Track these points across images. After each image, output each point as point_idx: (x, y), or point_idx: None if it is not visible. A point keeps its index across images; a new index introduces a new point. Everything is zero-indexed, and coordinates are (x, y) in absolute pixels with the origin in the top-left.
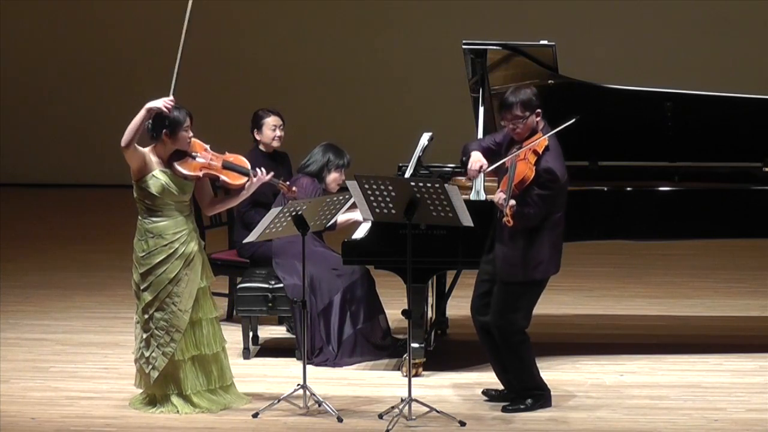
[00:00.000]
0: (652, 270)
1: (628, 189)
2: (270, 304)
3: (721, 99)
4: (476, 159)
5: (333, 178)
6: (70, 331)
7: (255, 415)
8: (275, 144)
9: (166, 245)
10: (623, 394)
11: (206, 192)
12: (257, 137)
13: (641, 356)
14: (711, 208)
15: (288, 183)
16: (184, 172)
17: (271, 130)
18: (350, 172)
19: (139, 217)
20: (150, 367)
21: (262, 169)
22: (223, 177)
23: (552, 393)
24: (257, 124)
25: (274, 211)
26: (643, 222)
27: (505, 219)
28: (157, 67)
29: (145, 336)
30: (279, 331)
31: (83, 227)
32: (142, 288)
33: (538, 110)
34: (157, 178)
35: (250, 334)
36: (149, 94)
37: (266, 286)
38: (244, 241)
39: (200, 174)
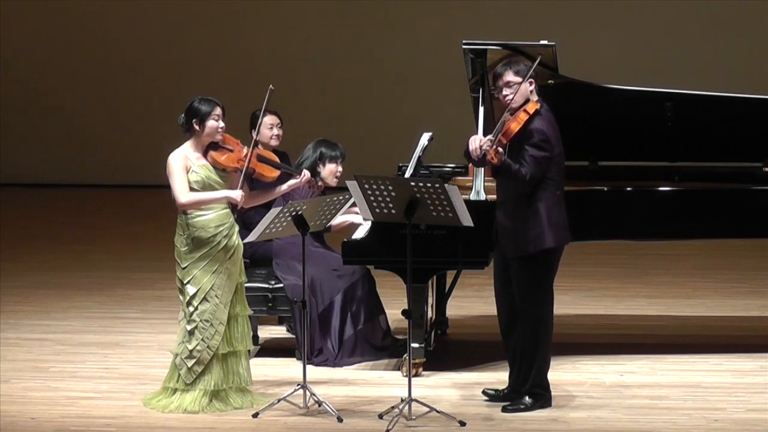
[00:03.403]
0: (652, 270)
1: (628, 189)
2: (270, 304)
3: (721, 99)
4: (474, 138)
5: (329, 170)
6: (70, 331)
7: (255, 415)
8: (273, 143)
9: (209, 238)
10: (623, 394)
11: (237, 187)
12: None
13: (641, 356)
14: (711, 208)
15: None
16: (222, 163)
17: (268, 130)
18: (350, 172)
19: (180, 213)
20: (193, 361)
21: (305, 170)
22: (259, 170)
23: (552, 393)
24: (255, 124)
25: (274, 211)
26: (643, 222)
27: (488, 156)
28: (159, 66)
29: (189, 328)
30: (279, 331)
31: (83, 227)
32: (185, 282)
33: (531, 80)
34: (197, 172)
35: (250, 334)
36: (150, 94)
37: (266, 286)
38: (244, 242)
39: (238, 166)
